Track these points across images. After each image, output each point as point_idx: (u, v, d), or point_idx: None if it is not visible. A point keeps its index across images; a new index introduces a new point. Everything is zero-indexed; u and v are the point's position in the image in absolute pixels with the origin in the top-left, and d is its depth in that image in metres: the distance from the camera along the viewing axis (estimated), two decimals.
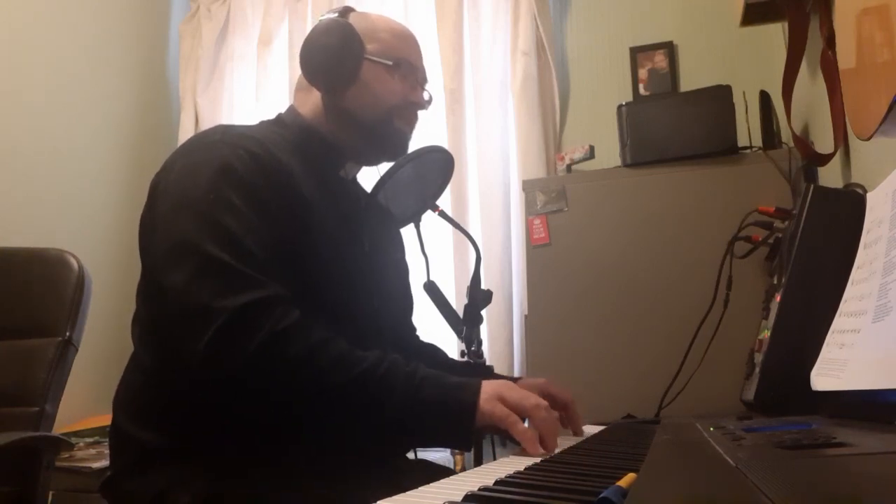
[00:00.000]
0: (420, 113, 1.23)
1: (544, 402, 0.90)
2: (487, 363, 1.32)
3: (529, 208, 1.95)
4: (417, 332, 1.36)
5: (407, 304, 1.31)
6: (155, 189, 1.04)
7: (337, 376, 0.89)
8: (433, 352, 1.35)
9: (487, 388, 0.90)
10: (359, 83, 1.13)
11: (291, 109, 1.19)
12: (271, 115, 1.22)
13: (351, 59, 1.12)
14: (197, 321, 0.88)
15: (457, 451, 1.97)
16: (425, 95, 1.21)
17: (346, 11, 1.18)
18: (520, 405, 0.88)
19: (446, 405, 0.89)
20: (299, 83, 1.20)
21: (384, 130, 1.16)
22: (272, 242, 0.96)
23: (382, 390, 0.89)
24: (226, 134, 1.04)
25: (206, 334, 0.86)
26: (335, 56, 1.12)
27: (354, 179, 1.26)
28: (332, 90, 1.14)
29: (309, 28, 2.92)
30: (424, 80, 1.22)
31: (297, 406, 0.91)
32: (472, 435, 0.90)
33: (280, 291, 0.92)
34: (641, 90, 2.50)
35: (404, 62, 1.17)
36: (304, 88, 1.18)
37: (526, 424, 0.89)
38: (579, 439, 1.00)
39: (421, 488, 0.55)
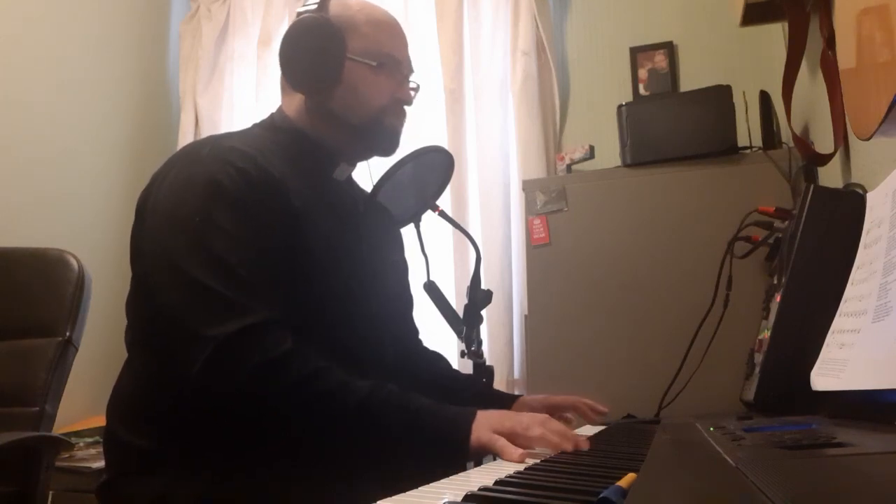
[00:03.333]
0: (421, 112, 1.22)
1: (538, 420, 0.87)
2: (487, 363, 1.32)
3: (529, 208, 1.95)
4: (420, 337, 1.35)
5: (407, 303, 1.30)
6: (143, 206, 1.03)
7: (329, 408, 0.89)
8: (436, 360, 1.34)
9: (481, 420, 0.89)
10: (343, 85, 1.09)
11: (280, 111, 1.17)
12: (264, 116, 1.20)
13: (333, 61, 1.08)
14: (187, 348, 0.88)
15: None
16: (412, 84, 1.18)
17: (324, 3, 1.11)
18: (513, 433, 0.86)
19: (439, 440, 0.89)
20: (282, 84, 1.16)
21: (375, 129, 1.13)
22: (262, 262, 0.95)
23: (375, 424, 0.89)
24: (214, 148, 1.01)
25: (196, 363, 0.87)
26: (316, 58, 1.07)
27: (350, 180, 1.24)
28: (314, 94, 1.10)
29: None
30: (410, 72, 1.18)
31: (288, 433, 0.91)
32: (464, 466, 0.90)
33: (270, 316, 0.91)
34: (641, 90, 2.49)
35: (388, 59, 1.13)
36: (288, 90, 1.15)
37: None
38: None
39: (421, 488, 0.55)
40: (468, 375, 1.32)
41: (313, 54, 1.08)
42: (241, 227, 0.94)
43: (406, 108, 1.17)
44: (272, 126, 1.15)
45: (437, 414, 0.91)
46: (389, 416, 0.89)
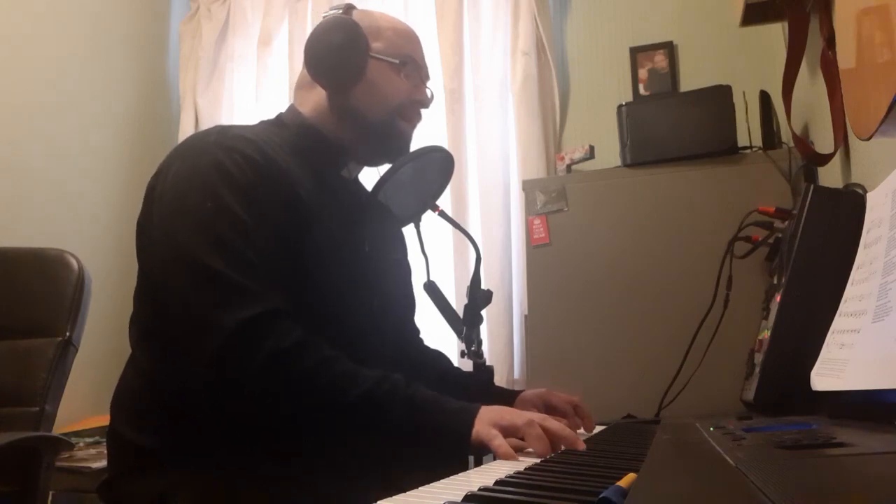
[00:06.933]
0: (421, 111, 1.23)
1: (538, 418, 0.86)
2: (487, 363, 1.32)
3: (529, 208, 1.95)
4: (421, 336, 1.36)
5: (408, 304, 1.31)
6: (151, 193, 1.03)
7: (337, 397, 0.89)
8: (437, 359, 1.34)
9: (484, 415, 0.89)
10: (365, 81, 1.12)
11: (292, 109, 1.18)
12: (271, 116, 1.21)
13: (357, 57, 1.11)
14: (198, 336, 0.88)
15: None
16: (428, 93, 1.22)
17: (349, 9, 1.17)
18: (512, 427, 0.86)
19: (440, 432, 0.89)
20: (301, 81, 1.19)
21: (387, 130, 1.15)
22: (270, 249, 0.95)
23: (379, 413, 0.89)
24: (221, 135, 1.02)
25: (207, 352, 0.87)
26: (341, 54, 1.11)
27: (356, 180, 1.25)
28: (337, 88, 1.13)
29: (309, 28, 2.92)
30: (427, 78, 1.23)
31: (297, 420, 0.91)
32: (465, 461, 0.90)
33: (280, 304, 0.92)
34: (641, 90, 2.49)
35: (410, 60, 1.17)
36: (307, 86, 1.17)
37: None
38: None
39: (421, 488, 0.55)
40: (469, 373, 1.32)
41: (339, 50, 1.11)
42: (250, 213, 0.95)
43: (421, 112, 1.21)
44: (279, 122, 1.17)
45: (441, 407, 0.91)
46: (394, 407, 0.89)
